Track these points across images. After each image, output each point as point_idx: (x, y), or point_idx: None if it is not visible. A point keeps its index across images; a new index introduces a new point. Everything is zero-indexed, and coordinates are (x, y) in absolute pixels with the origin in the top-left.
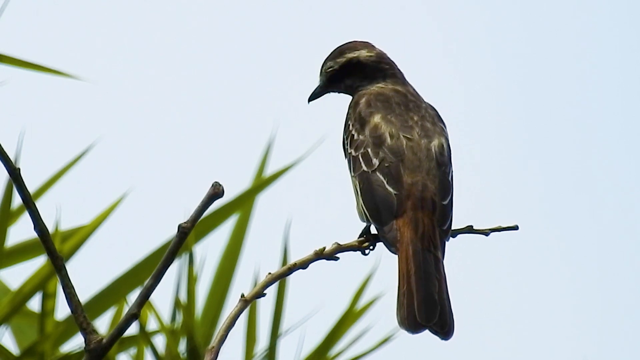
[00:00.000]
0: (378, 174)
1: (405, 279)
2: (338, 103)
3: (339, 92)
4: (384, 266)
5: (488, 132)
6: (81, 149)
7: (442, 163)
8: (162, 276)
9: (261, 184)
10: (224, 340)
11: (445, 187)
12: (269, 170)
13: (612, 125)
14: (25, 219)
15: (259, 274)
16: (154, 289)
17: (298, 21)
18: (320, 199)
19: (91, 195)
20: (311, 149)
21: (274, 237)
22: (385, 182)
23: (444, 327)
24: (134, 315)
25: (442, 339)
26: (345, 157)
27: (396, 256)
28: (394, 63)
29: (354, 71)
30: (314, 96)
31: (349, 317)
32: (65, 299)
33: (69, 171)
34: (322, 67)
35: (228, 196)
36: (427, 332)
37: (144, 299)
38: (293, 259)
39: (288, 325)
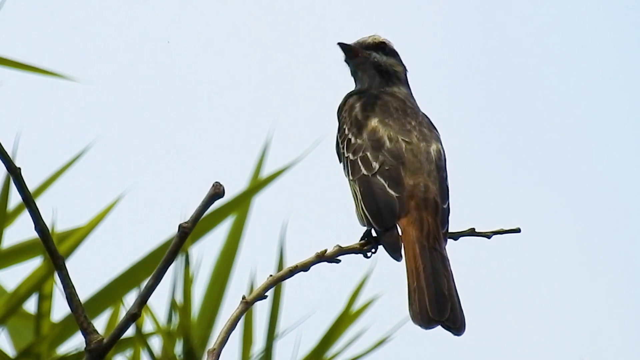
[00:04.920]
0: (378, 177)
1: (414, 275)
2: (335, 105)
3: (352, 72)
4: (380, 268)
5: (491, 135)
6: (77, 151)
7: (441, 167)
8: (162, 276)
9: (258, 185)
10: (225, 343)
11: (444, 190)
12: (266, 172)
13: (615, 127)
14: (21, 220)
15: (255, 275)
16: (154, 289)
17: (295, 23)
18: (317, 200)
19: (87, 196)
20: (308, 151)
21: (270, 239)
22: (386, 186)
23: (456, 323)
24: (134, 315)
25: (455, 334)
26: (341, 161)
27: (394, 261)
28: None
29: (375, 69)
30: (347, 49)
31: (345, 319)
32: (66, 298)
33: (65, 172)
34: (363, 46)
35: (224, 198)
36: (437, 330)
37: (145, 299)
38: (289, 261)
39: (284, 327)
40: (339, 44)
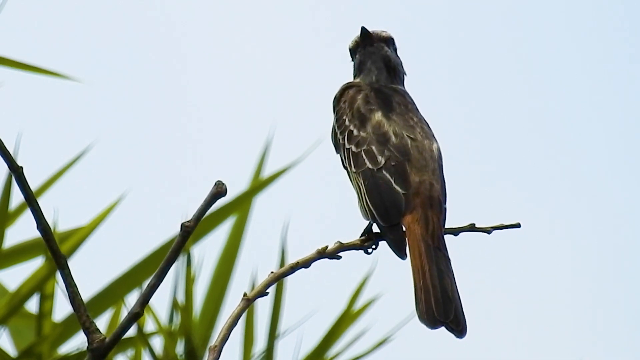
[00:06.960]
0: (384, 172)
1: (420, 274)
2: None
3: (360, 62)
4: (381, 268)
5: (491, 130)
6: (78, 151)
7: (441, 166)
8: (165, 275)
9: (259, 185)
10: (227, 339)
11: (445, 190)
12: (267, 172)
13: (615, 124)
14: (23, 220)
15: (257, 275)
16: (156, 288)
17: (295, 23)
18: (318, 200)
19: (88, 196)
20: (308, 151)
21: (271, 239)
22: (392, 181)
23: (458, 325)
24: (137, 315)
25: (457, 336)
26: (338, 151)
27: (395, 260)
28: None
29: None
30: (367, 34)
31: (346, 319)
32: (69, 297)
33: (66, 172)
34: (388, 42)
35: (225, 198)
36: (439, 330)
37: (147, 298)
38: (291, 261)
39: (286, 327)
40: (363, 27)
